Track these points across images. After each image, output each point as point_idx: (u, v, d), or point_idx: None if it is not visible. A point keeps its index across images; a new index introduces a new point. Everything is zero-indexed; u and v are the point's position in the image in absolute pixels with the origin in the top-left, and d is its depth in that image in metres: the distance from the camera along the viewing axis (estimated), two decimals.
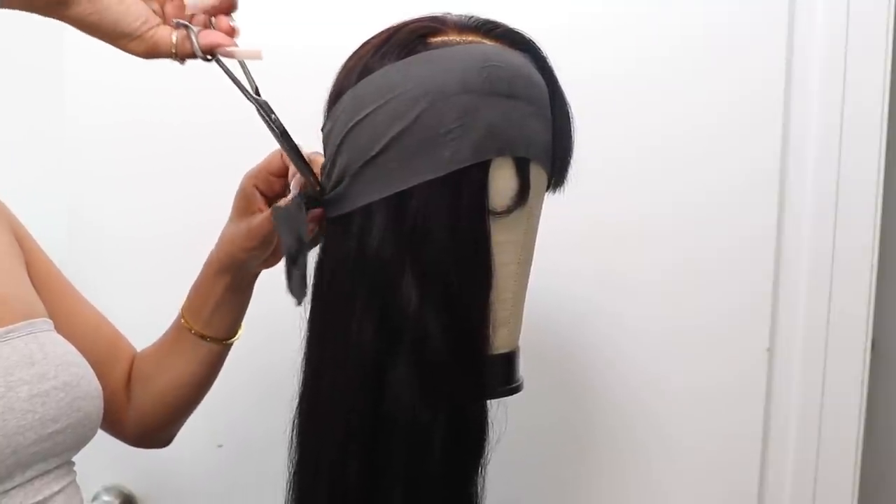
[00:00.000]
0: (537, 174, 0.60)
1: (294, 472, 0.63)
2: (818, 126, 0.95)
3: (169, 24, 0.57)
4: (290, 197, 0.62)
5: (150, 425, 0.78)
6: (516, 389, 0.64)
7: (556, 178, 0.63)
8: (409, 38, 0.58)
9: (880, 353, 1.04)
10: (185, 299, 0.75)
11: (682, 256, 0.96)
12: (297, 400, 0.63)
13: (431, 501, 0.58)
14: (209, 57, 0.57)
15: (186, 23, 0.56)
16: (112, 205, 1.01)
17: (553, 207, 0.66)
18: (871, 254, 0.95)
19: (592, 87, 0.93)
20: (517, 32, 0.61)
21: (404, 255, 0.56)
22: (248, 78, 0.61)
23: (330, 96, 0.61)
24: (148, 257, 1.01)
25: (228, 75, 0.59)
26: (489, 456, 0.63)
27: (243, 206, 0.70)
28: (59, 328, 0.69)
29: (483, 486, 0.63)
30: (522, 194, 0.58)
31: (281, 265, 0.61)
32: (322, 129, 0.62)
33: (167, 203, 1.00)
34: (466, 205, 0.56)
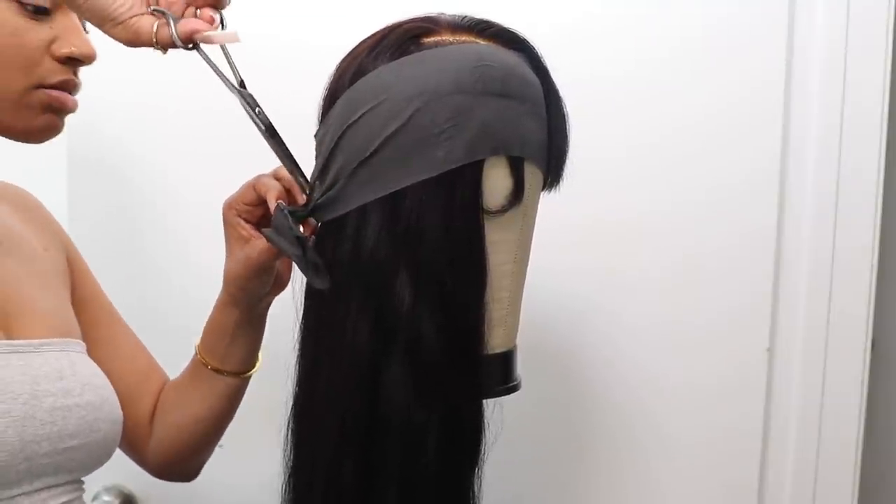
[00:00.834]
0: (532, 173, 0.60)
1: (290, 473, 0.63)
2: (818, 126, 0.95)
3: (149, 13, 0.58)
4: (272, 211, 0.62)
5: (170, 458, 0.79)
6: (514, 388, 0.64)
7: (552, 177, 0.63)
8: (402, 39, 0.58)
9: (880, 353, 1.03)
10: (200, 335, 0.76)
11: (682, 256, 0.96)
12: (292, 401, 0.63)
13: (426, 501, 0.58)
14: (190, 46, 0.57)
15: (163, 10, 0.56)
16: (111, 200, 1.01)
17: (553, 207, 0.66)
18: (871, 254, 0.95)
19: (593, 86, 0.93)
20: (511, 32, 0.61)
21: (399, 255, 0.56)
22: (232, 70, 0.61)
23: (324, 97, 0.61)
24: (147, 254, 1.01)
25: (211, 66, 0.59)
26: (486, 455, 0.63)
27: (233, 236, 0.69)
28: (96, 352, 0.71)
29: (480, 486, 0.63)
30: (517, 193, 0.58)
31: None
32: (316, 133, 0.62)
33: (167, 199, 1.00)
34: (460, 204, 0.56)
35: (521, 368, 0.65)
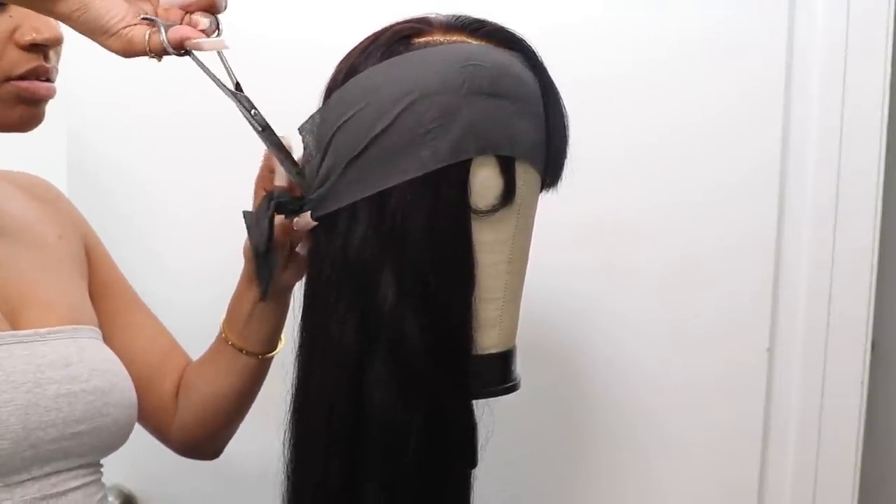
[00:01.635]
0: (526, 173, 0.60)
1: (287, 472, 0.63)
2: (818, 126, 0.95)
3: (142, 23, 0.58)
4: (260, 199, 0.63)
5: (193, 436, 0.79)
6: (512, 388, 0.64)
7: (550, 176, 0.63)
8: (393, 40, 0.58)
9: (880, 353, 1.03)
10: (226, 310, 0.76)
11: (682, 255, 0.96)
12: (289, 400, 0.63)
13: (409, 501, 0.58)
14: (182, 52, 0.57)
15: (153, 17, 0.56)
16: (112, 195, 1.01)
17: (554, 206, 0.66)
18: (871, 254, 0.95)
19: (593, 86, 0.93)
20: (505, 31, 0.61)
21: (384, 254, 0.57)
22: (228, 73, 0.61)
23: (323, 96, 0.62)
24: (148, 252, 1.01)
25: (205, 71, 0.59)
26: (482, 455, 0.63)
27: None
28: (117, 336, 0.72)
29: (471, 485, 0.63)
30: (508, 193, 0.58)
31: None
32: (300, 127, 0.62)
33: (168, 195, 1.00)
34: (446, 204, 0.57)
35: (521, 367, 0.65)
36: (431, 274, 0.57)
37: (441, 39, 0.58)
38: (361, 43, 0.61)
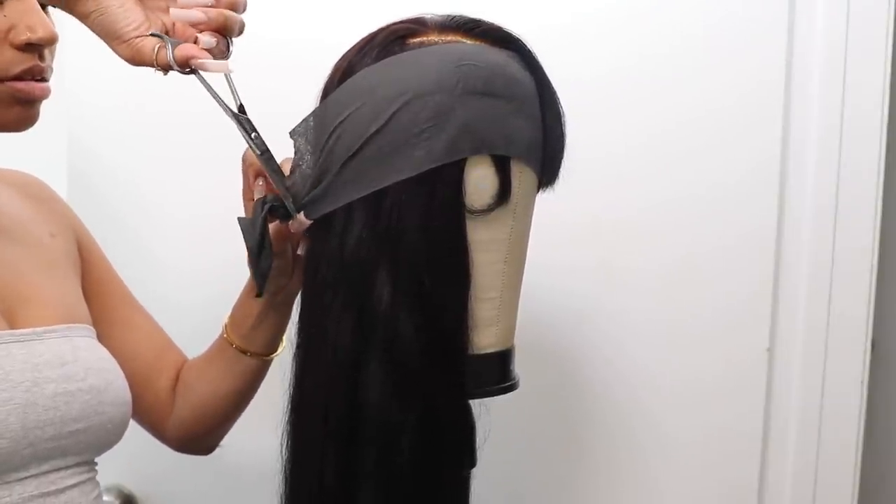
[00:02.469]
0: (521, 172, 0.60)
1: (285, 472, 0.63)
2: (818, 126, 0.95)
3: (155, 35, 0.58)
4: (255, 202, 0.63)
5: (190, 433, 0.80)
6: (510, 388, 0.64)
7: (547, 176, 0.63)
8: (388, 40, 0.59)
9: (880, 353, 1.03)
10: (229, 312, 0.77)
11: (681, 256, 0.96)
12: (287, 400, 0.63)
13: (404, 501, 0.58)
14: (187, 70, 0.57)
15: (161, 34, 0.56)
16: (112, 197, 1.01)
17: (552, 206, 0.66)
18: (871, 254, 0.95)
19: (592, 85, 0.93)
20: (500, 30, 0.61)
21: (379, 254, 0.57)
22: (233, 94, 0.61)
23: (319, 98, 0.62)
24: (147, 253, 1.01)
25: (209, 90, 0.59)
26: (481, 454, 0.63)
27: None
28: (111, 333, 0.73)
29: (467, 485, 0.63)
30: (503, 193, 0.58)
31: None
32: (292, 132, 0.62)
33: (167, 197, 1.00)
34: (440, 204, 0.57)
35: (519, 366, 0.65)
36: (426, 273, 0.57)
37: (436, 39, 0.58)
38: (357, 43, 0.61)
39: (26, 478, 0.58)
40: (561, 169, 0.64)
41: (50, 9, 0.62)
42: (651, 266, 0.97)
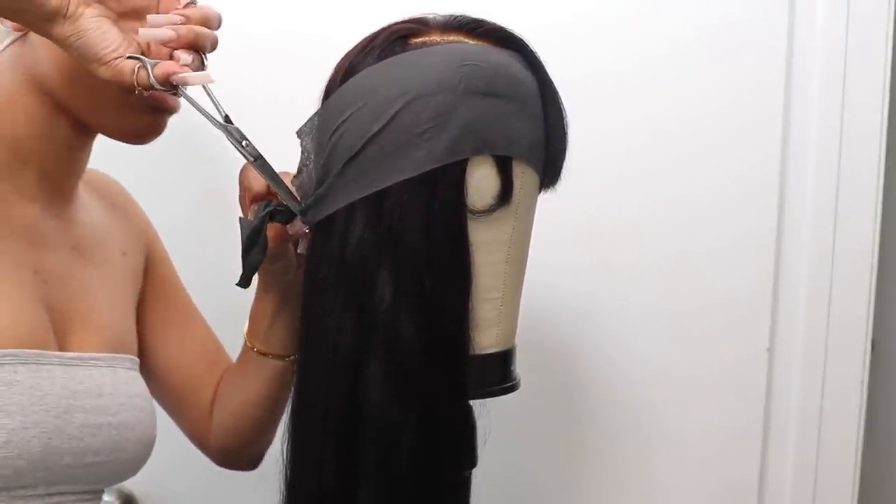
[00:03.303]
0: (523, 173, 0.60)
1: (285, 471, 0.63)
2: (818, 126, 0.95)
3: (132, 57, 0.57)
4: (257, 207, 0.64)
5: (230, 445, 0.80)
6: (512, 388, 0.64)
7: (548, 176, 0.63)
8: (390, 40, 0.58)
9: (880, 353, 1.03)
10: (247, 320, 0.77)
11: (681, 256, 0.96)
12: (290, 400, 0.63)
13: (404, 501, 0.58)
14: (170, 87, 0.56)
15: (138, 56, 0.55)
16: None
17: (553, 205, 0.66)
18: (871, 254, 0.95)
19: (593, 84, 0.93)
20: (502, 30, 0.61)
21: (381, 254, 0.57)
22: (216, 106, 0.61)
23: (322, 98, 0.62)
24: None
25: (195, 106, 0.59)
26: (480, 454, 0.63)
27: None
28: (167, 341, 0.74)
29: (468, 485, 0.63)
30: (505, 193, 0.58)
31: None
32: (298, 131, 0.62)
33: (167, 199, 1.00)
34: (442, 204, 0.57)
35: (518, 365, 0.65)
36: (427, 274, 0.57)
37: (438, 39, 0.58)
38: (359, 43, 0.61)
39: (31, 496, 0.58)
40: (562, 170, 0.64)
41: None
42: (651, 266, 0.97)
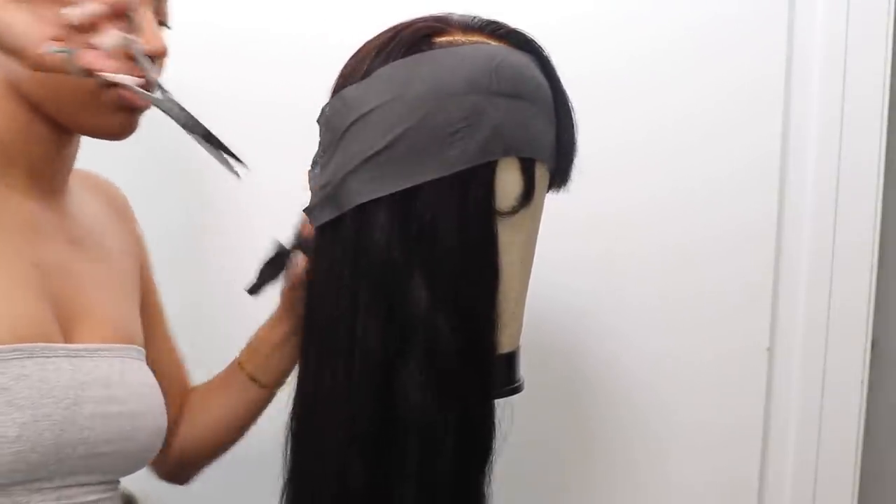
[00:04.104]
0: (542, 175, 0.60)
1: (290, 474, 0.62)
2: (818, 124, 0.95)
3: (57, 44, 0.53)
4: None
5: (187, 460, 0.80)
6: (517, 389, 0.64)
7: (560, 178, 0.63)
8: (415, 38, 0.57)
9: (880, 353, 1.03)
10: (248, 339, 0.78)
11: (681, 255, 0.96)
12: (292, 402, 0.63)
13: (444, 501, 0.58)
14: (93, 74, 0.53)
15: (62, 49, 0.52)
16: None
17: (553, 206, 0.66)
18: (872, 253, 0.95)
19: (594, 80, 0.93)
20: (521, 33, 0.61)
21: (411, 254, 0.56)
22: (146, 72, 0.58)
23: (331, 94, 0.61)
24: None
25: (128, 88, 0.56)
26: (498, 453, 0.63)
27: None
28: (148, 354, 0.73)
29: (490, 483, 0.63)
30: (527, 195, 0.58)
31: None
32: (327, 122, 0.61)
33: (165, 203, 1.00)
34: (474, 205, 0.56)
35: (523, 365, 0.65)
36: (461, 275, 0.56)
37: (462, 39, 0.58)
38: (376, 40, 0.60)
39: (48, 488, 0.58)
40: (572, 170, 0.64)
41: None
42: (650, 265, 0.97)
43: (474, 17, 0.60)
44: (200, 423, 0.79)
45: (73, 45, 0.51)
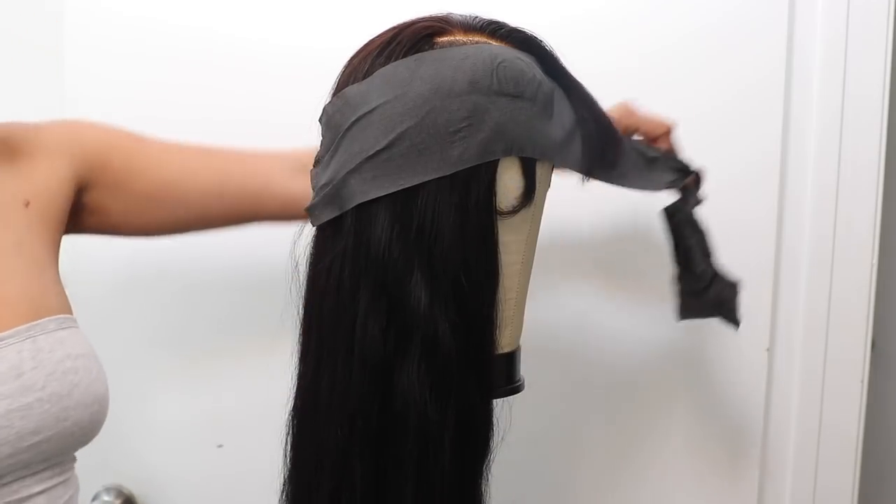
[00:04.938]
0: (542, 174, 0.60)
1: (289, 473, 0.62)
2: (818, 125, 0.95)
3: None
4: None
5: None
6: (518, 389, 0.64)
7: (600, 165, 0.64)
8: (417, 37, 0.58)
9: (880, 353, 1.04)
10: None
11: None
12: (292, 403, 0.63)
13: (443, 500, 0.58)
14: None
15: None
16: None
17: (554, 206, 0.66)
18: (872, 253, 0.95)
19: (592, 81, 0.92)
20: (522, 32, 0.61)
21: (411, 254, 0.56)
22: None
23: (332, 93, 0.61)
24: (146, 254, 1.01)
25: None
26: (495, 454, 0.63)
27: None
28: (178, 180, 0.70)
29: (488, 482, 0.63)
30: (528, 194, 0.58)
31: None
32: (319, 120, 0.61)
33: None
34: (475, 204, 0.56)
35: (523, 367, 0.65)
36: (462, 273, 0.56)
37: (463, 39, 0.58)
38: (375, 40, 0.60)
39: None
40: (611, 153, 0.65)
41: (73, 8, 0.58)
42: (651, 267, 0.97)
43: (475, 17, 0.61)
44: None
45: None
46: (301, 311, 0.63)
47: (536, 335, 0.88)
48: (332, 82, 0.61)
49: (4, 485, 0.57)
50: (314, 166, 0.61)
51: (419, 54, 0.57)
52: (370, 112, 0.56)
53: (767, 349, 0.97)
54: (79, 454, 0.67)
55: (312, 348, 0.61)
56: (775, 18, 0.94)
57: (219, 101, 0.93)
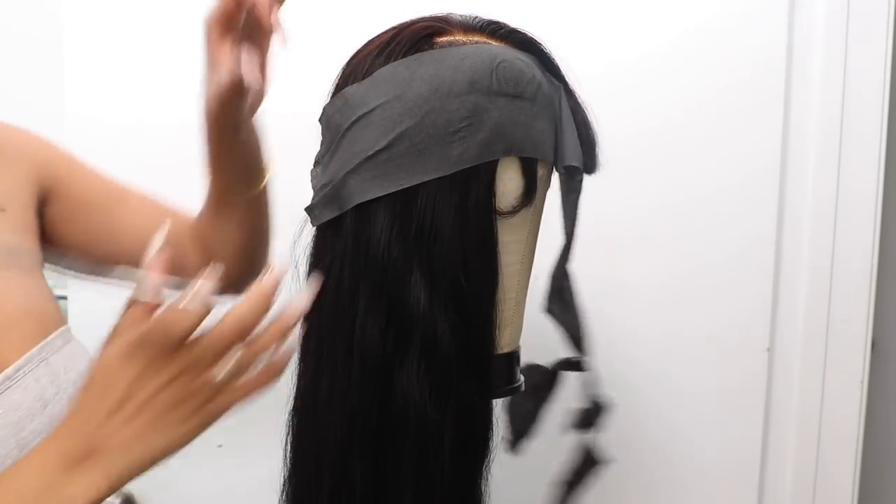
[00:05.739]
0: (542, 175, 0.60)
1: (290, 473, 0.62)
2: (818, 126, 0.95)
3: None
4: None
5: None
6: (518, 389, 0.64)
7: (589, 163, 0.63)
8: (416, 37, 0.58)
9: (880, 353, 1.04)
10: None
11: (682, 258, 0.96)
12: (292, 401, 0.63)
13: (442, 500, 0.58)
14: None
15: None
16: None
17: (554, 211, 0.66)
18: (871, 254, 0.95)
19: (591, 82, 0.92)
20: (522, 33, 0.61)
21: (411, 254, 0.56)
22: None
23: (332, 93, 0.61)
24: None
25: None
26: (494, 455, 0.63)
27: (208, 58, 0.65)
28: (119, 233, 0.68)
29: (487, 482, 0.63)
30: (528, 195, 0.58)
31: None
32: (319, 120, 0.61)
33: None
34: (474, 204, 0.56)
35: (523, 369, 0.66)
36: (462, 273, 0.56)
37: (463, 39, 0.58)
38: (375, 40, 0.60)
39: None
40: (598, 156, 0.65)
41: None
42: (651, 268, 0.97)
43: (475, 17, 0.61)
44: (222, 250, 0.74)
45: None
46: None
47: (536, 336, 0.88)
48: (332, 82, 0.61)
49: None
50: (314, 166, 0.61)
51: (419, 54, 0.57)
52: (370, 112, 0.56)
53: (767, 349, 0.97)
54: None
55: (312, 348, 0.61)
56: (775, 18, 0.94)
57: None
